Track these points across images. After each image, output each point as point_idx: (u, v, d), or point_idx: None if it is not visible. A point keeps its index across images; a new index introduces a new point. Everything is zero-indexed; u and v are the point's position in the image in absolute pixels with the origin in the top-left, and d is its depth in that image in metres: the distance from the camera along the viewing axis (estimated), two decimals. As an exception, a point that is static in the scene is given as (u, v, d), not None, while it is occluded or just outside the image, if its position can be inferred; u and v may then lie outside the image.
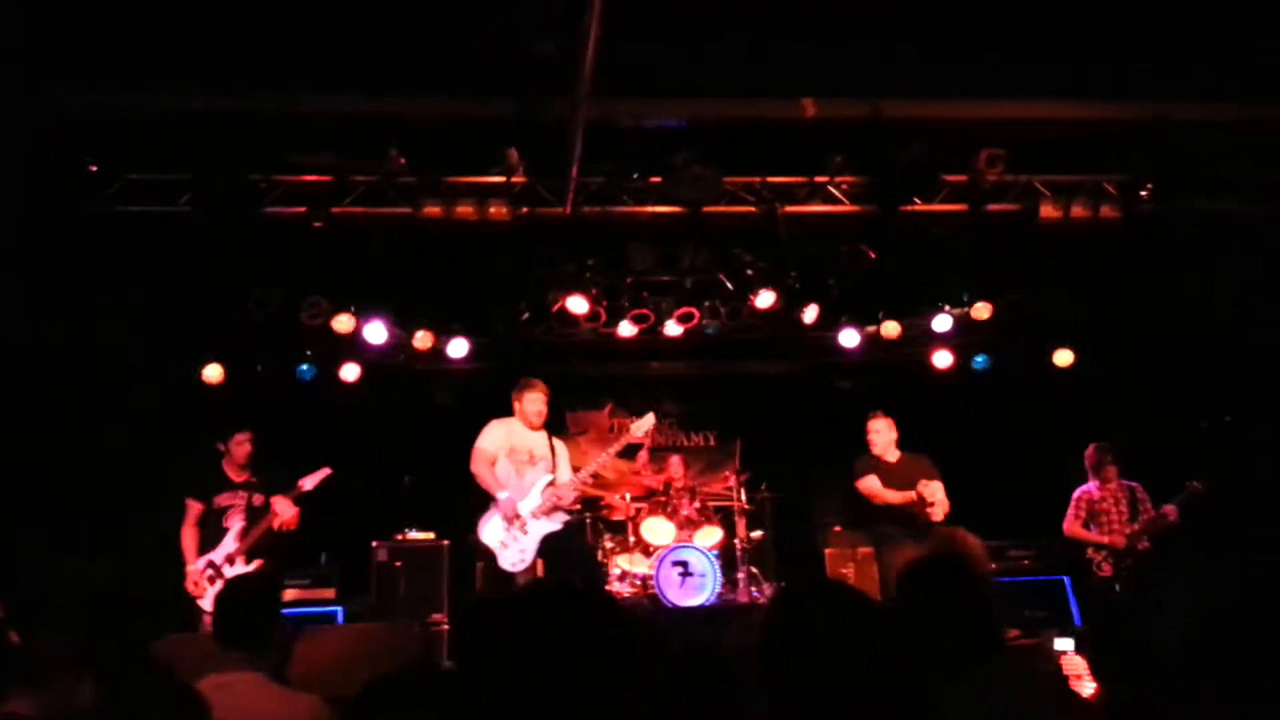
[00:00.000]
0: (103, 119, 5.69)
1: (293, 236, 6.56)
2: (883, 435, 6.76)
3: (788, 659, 1.71)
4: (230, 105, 5.65)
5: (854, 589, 1.92)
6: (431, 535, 8.09)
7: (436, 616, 7.68)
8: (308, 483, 6.42)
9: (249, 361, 7.99)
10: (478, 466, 6.24)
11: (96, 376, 6.59)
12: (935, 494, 6.41)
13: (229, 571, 6.11)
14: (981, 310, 7.91)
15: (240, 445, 6.36)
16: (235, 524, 6.23)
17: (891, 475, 6.63)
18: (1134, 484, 7.24)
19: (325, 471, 6.50)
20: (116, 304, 6.66)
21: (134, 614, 6.44)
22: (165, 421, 7.28)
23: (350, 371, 8.12)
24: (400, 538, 7.84)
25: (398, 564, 7.70)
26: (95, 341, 6.54)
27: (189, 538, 6.20)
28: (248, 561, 6.19)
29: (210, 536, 6.22)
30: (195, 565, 6.14)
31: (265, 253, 6.77)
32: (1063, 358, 8.54)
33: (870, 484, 6.61)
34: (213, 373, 7.92)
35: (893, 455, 6.76)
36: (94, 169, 5.87)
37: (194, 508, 6.25)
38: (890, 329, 8.30)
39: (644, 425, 6.89)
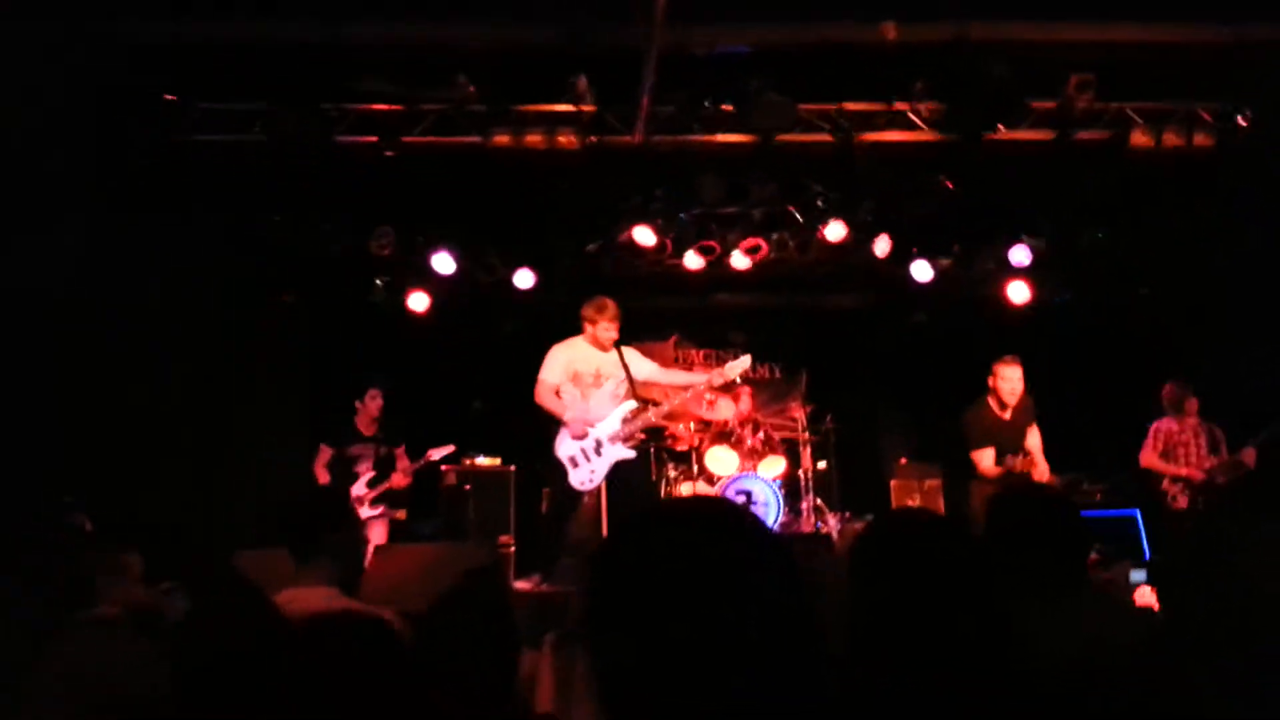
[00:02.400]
0: (175, 48, 5.69)
1: (363, 165, 6.57)
2: (1012, 384, 6.35)
3: (878, 585, 1.70)
4: (300, 33, 5.61)
5: (948, 519, 1.91)
6: (498, 460, 8.24)
7: (504, 539, 7.87)
8: (435, 454, 7.28)
9: (321, 291, 8.10)
10: (541, 398, 6.27)
11: (167, 306, 6.73)
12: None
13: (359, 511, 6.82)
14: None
15: (373, 399, 7.12)
16: (365, 473, 7.03)
17: (1004, 433, 6.45)
18: (1214, 425, 7.09)
19: (450, 448, 7.38)
20: (188, 233, 6.78)
21: (214, 535, 6.73)
22: (237, 351, 7.45)
23: (419, 301, 8.18)
24: (468, 462, 8.01)
25: (466, 487, 7.91)
26: (167, 271, 6.67)
27: (322, 476, 7.01)
28: (373, 505, 7.00)
29: (342, 480, 6.96)
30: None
31: (336, 182, 6.79)
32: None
33: (986, 464, 6.42)
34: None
35: (1008, 412, 6.44)
36: (169, 98, 5.89)
37: (325, 452, 7.07)
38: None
39: (739, 366, 6.68)
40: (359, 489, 6.95)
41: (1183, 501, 7.01)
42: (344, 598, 2.99)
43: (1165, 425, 7.16)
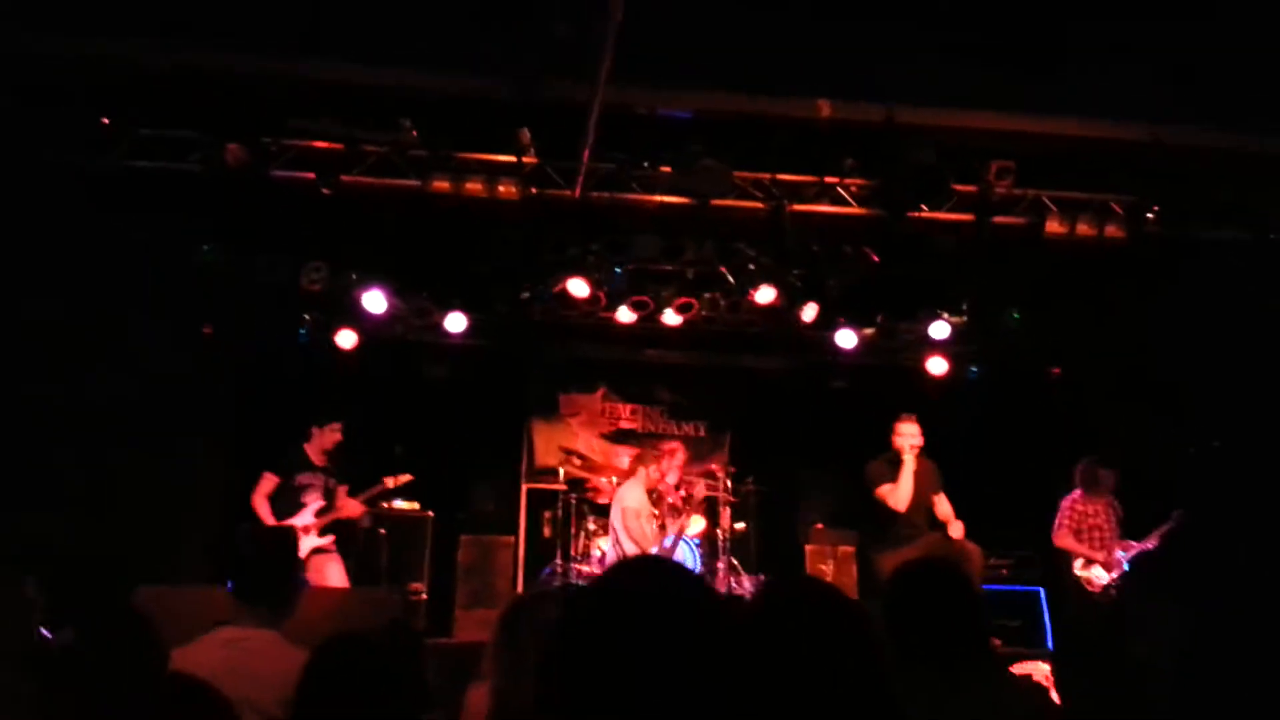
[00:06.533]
0: (115, 73, 5.64)
1: (299, 201, 6.54)
2: (908, 439, 6.72)
3: (764, 655, 1.74)
4: (246, 66, 5.61)
5: (835, 589, 1.95)
6: (416, 506, 8.14)
7: (415, 586, 7.75)
8: (391, 482, 7.20)
9: (248, 323, 7.98)
10: None
11: (91, 330, 6.58)
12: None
13: (303, 542, 6.59)
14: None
15: (332, 433, 6.93)
16: (314, 502, 6.80)
17: None
18: (1114, 501, 7.28)
19: (406, 476, 7.27)
20: (116, 255, 6.65)
21: (113, 566, 6.49)
22: (158, 379, 7.27)
23: (346, 339, 8.10)
24: (386, 506, 7.88)
25: (381, 531, 7.76)
26: (92, 296, 6.53)
27: (263, 507, 6.70)
28: (321, 535, 6.81)
29: (286, 509, 6.74)
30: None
31: (271, 215, 6.75)
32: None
33: (895, 499, 6.68)
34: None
35: (914, 463, 6.74)
36: (105, 122, 5.82)
37: (269, 481, 6.77)
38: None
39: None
40: (305, 518, 6.76)
41: (1097, 586, 7.08)
42: (285, 642, 2.93)
43: (1077, 504, 7.24)
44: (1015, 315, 7.82)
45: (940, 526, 6.86)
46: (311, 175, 6.24)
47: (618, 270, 7.52)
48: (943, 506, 6.90)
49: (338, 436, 6.97)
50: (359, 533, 7.67)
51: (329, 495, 6.91)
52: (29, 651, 3.03)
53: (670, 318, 8.31)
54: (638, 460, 7.84)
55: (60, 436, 6.21)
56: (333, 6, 5.13)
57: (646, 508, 7.63)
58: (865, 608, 1.94)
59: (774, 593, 1.90)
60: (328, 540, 6.88)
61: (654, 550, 7.34)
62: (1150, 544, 7.05)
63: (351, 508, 6.98)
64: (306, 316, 8.03)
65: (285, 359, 8.17)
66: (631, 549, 7.29)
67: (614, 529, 7.54)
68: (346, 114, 6.07)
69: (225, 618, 3.55)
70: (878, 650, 1.76)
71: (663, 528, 7.74)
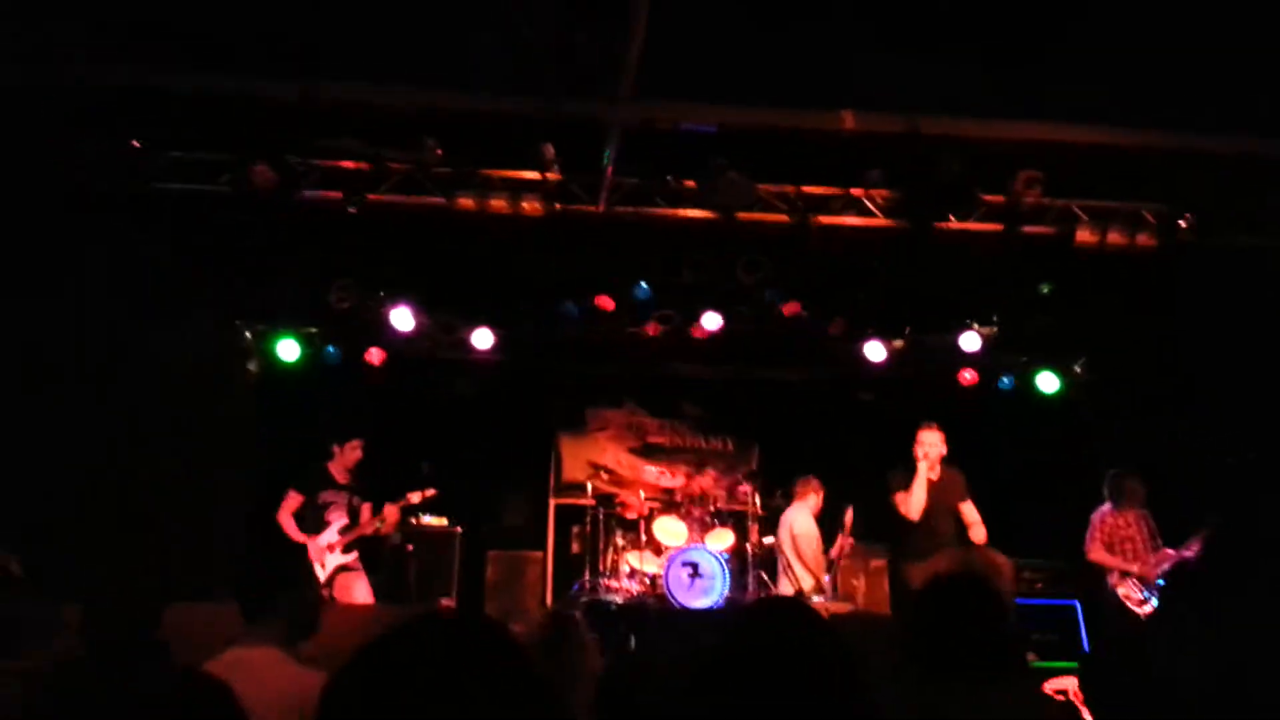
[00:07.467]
0: (144, 98, 5.72)
1: (327, 219, 6.60)
2: (926, 447, 6.55)
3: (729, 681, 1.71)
4: (272, 89, 5.67)
5: (810, 612, 1.88)
6: (444, 521, 8.16)
7: (445, 601, 7.75)
8: (415, 497, 7.17)
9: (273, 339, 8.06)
10: None
11: (124, 349, 6.66)
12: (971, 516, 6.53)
13: (328, 559, 6.72)
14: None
15: (353, 451, 6.98)
16: (338, 520, 6.83)
17: (931, 493, 6.52)
18: (1149, 514, 7.15)
19: (431, 491, 7.27)
20: (146, 280, 6.74)
21: (149, 582, 6.57)
22: (191, 397, 7.35)
23: (374, 356, 8.15)
24: (414, 522, 7.91)
25: (409, 548, 7.78)
26: (121, 318, 6.61)
27: (289, 524, 6.75)
28: (345, 553, 6.82)
29: (311, 527, 6.78)
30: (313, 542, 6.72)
31: (300, 234, 6.82)
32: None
33: (909, 506, 6.56)
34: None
35: (935, 472, 6.61)
36: (136, 145, 5.91)
37: (294, 499, 6.82)
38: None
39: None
40: (330, 536, 6.78)
41: (1136, 600, 6.92)
42: (292, 661, 2.94)
43: (1107, 517, 7.10)
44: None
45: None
46: (338, 194, 6.30)
47: (644, 285, 7.49)
48: (970, 513, 6.76)
49: (359, 454, 6.99)
50: (386, 549, 7.70)
51: (353, 513, 6.93)
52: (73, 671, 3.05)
53: (696, 331, 8.30)
54: (805, 486, 7.91)
55: (87, 457, 6.28)
56: (357, 28, 5.18)
57: (815, 532, 7.71)
58: (830, 626, 1.87)
59: (737, 619, 1.86)
60: (352, 557, 6.88)
61: (827, 579, 7.57)
62: (1187, 553, 6.87)
63: (388, 512, 7.00)
64: (335, 334, 8.08)
65: (313, 376, 8.22)
66: (802, 572, 7.52)
67: (783, 553, 7.68)
68: (371, 134, 6.11)
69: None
70: (848, 668, 1.70)
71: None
